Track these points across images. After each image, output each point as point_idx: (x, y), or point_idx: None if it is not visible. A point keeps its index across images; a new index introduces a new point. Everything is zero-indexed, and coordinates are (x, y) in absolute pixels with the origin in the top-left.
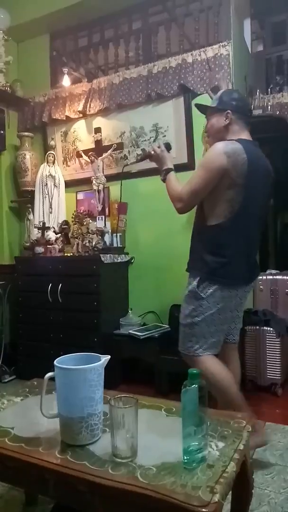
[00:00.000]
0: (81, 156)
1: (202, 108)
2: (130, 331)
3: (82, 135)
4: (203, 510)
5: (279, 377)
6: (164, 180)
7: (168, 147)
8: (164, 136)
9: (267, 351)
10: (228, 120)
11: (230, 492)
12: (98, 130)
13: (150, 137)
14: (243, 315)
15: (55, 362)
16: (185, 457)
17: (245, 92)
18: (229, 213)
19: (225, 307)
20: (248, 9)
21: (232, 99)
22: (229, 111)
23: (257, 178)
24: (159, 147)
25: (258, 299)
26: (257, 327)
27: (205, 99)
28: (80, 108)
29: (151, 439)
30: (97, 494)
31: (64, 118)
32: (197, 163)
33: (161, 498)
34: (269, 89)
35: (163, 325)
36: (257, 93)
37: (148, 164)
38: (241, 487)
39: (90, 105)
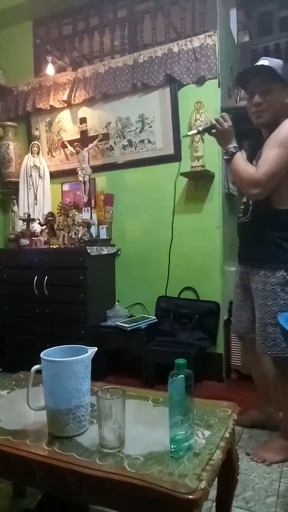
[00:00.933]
0: (66, 147)
1: (259, 70)
2: (117, 323)
3: (67, 125)
4: (190, 497)
5: None
6: (228, 160)
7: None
8: (150, 127)
9: None
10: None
11: (216, 478)
12: (83, 120)
13: (136, 128)
14: (229, 306)
15: (41, 354)
16: (172, 446)
17: (231, 83)
18: None
19: None
20: None
21: None
22: None
23: None
24: (225, 121)
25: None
26: None
27: (191, 89)
28: (65, 97)
29: (139, 429)
30: (85, 484)
31: (49, 108)
32: (270, 140)
33: (148, 486)
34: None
35: (150, 316)
36: None
37: (134, 155)
38: (227, 474)
39: (75, 94)
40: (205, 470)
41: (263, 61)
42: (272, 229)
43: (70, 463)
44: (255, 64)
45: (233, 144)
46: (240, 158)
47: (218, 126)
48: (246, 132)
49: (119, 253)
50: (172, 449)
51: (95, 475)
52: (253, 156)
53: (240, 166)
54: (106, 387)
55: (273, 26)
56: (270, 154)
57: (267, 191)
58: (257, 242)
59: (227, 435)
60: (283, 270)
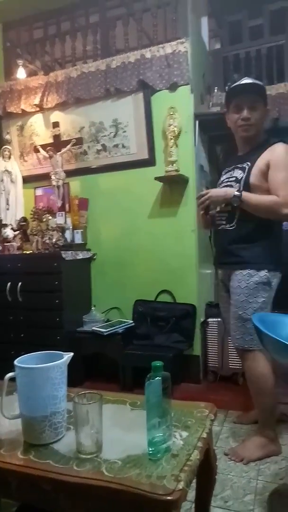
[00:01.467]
0: (39, 151)
1: (256, 87)
2: (94, 328)
3: (39, 129)
4: (168, 498)
5: (240, 367)
6: (238, 205)
7: None
8: (124, 132)
9: (229, 342)
10: (266, 116)
11: (195, 479)
12: (56, 124)
13: (110, 133)
14: (205, 308)
15: (15, 361)
16: (150, 449)
17: (203, 89)
18: None
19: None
20: (205, 7)
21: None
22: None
23: None
24: (202, 196)
25: (219, 292)
26: (219, 319)
27: (164, 95)
28: (37, 101)
29: (116, 433)
30: (63, 491)
31: (20, 112)
32: (273, 166)
33: (126, 490)
34: (226, 87)
35: (127, 320)
36: (215, 91)
37: (108, 159)
38: (205, 474)
39: (47, 98)
40: (183, 471)
41: (247, 80)
42: (257, 234)
43: (46, 470)
44: (245, 82)
45: (234, 190)
46: (251, 195)
47: (207, 196)
48: (220, 138)
49: (94, 257)
50: (150, 452)
51: (72, 482)
52: (225, 163)
53: (257, 199)
54: (83, 392)
55: (243, 35)
56: (281, 177)
57: None
58: (243, 245)
59: (204, 435)
60: (266, 270)
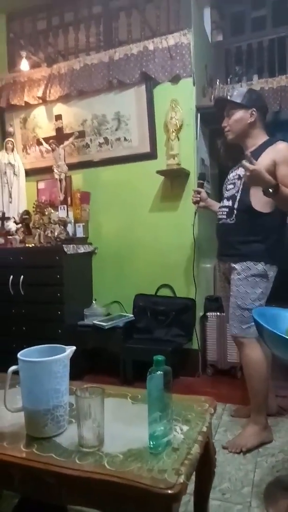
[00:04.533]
0: (42, 144)
1: (221, 101)
2: (95, 322)
3: (42, 122)
4: (169, 491)
5: (239, 361)
6: (273, 196)
7: (202, 177)
8: (126, 125)
9: (228, 336)
10: (253, 118)
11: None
12: (58, 117)
13: (112, 125)
14: (205, 302)
15: (18, 355)
16: (151, 443)
17: (205, 81)
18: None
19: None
20: None
21: (257, 98)
22: (254, 109)
23: None
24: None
25: (219, 286)
26: (218, 313)
27: (167, 88)
28: (40, 93)
29: (118, 427)
30: (65, 485)
31: (23, 104)
32: (282, 163)
33: (127, 483)
34: (228, 79)
35: (128, 314)
36: (217, 83)
37: (110, 153)
38: (204, 467)
39: (50, 91)
40: (183, 464)
41: (231, 92)
42: (256, 229)
43: (49, 463)
44: (223, 97)
45: (273, 181)
46: (284, 188)
47: (247, 173)
48: (220, 131)
49: (96, 251)
50: (151, 446)
51: (74, 475)
52: (228, 158)
53: None
54: (85, 386)
55: (245, 26)
56: None
57: None
58: (242, 239)
59: (204, 429)
60: (263, 263)
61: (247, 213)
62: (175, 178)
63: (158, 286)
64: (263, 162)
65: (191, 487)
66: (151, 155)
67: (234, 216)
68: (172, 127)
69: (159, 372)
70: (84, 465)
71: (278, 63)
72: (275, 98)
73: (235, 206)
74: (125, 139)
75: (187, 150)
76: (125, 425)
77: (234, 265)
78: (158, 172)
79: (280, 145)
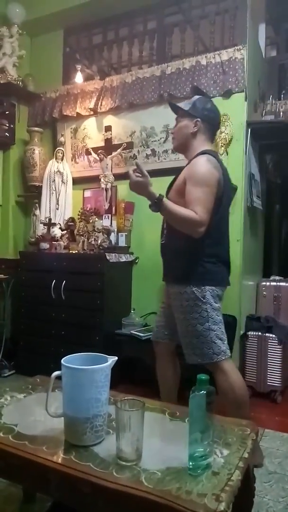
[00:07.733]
0: (90, 154)
1: (174, 107)
2: (132, 332)
3: (92, 132)
4: None
5: (279, 384)
6: (157, 210)
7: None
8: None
9: (269, 358)
10: (197, 128)
11: None
12: (108, 128)
13: (161, 138)
14: (246, 321)
15: (62, 361)
16: (191, 463)
17: (257, 97)
18: (213, 221)
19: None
20: (263, 14)
21: (205, 108)
22: (198, 119)
23: (227, 188)
24: (134, 171)
25: (261, 305)
26: (259, 333)
27: (217, 102)
28: (91, 105)
29: (155, 443)
30: (101, 496)
31: (75, 115)
32: (189, 180)
33: (166, 504)
34: (281, 95)
35: None
36: (270, 99)
37: (157, 164)
38: (243, 495)
39: (101, 103)
40: (224, 491)
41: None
42: (183, 249)
43: (86, 473)
44: (172, 102)
45: (156, 194)
46: (170, 204)
47: (131, 177)
48: (270, 147)
49: (136, 261)
50: (191, 466)
51: (111, 488)
52: (277, 174)
53: (175, 210)
54: (125, 397)
55: None
56: (197, 193)
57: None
58: (172, 261)
59: (246, 455)
60: (190, 286)
61: (174, 234)
62: None
63: None
64: (180, 177)
65: None
66: None
67: (164, 236)
68: (222, 141)
69: (202, 391)
70: (122, 479)
71: None
72: None
73: (165, 225)
74: (172, 151)
75: (235, 165)
76: (163, 442)
77: (170, 289)
78: None
79: (195, 160)
